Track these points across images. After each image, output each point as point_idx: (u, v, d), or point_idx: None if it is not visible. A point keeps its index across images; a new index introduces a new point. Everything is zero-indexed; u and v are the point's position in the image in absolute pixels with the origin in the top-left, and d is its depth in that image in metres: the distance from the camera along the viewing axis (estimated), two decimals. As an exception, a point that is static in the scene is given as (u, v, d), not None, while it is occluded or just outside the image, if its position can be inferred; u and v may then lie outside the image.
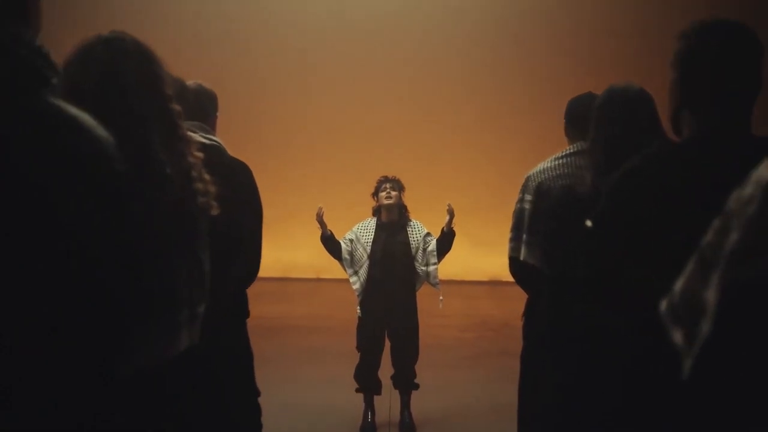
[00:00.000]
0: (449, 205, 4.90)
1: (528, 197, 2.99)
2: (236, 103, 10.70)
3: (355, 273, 4.91)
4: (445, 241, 4.92)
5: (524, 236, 2.96)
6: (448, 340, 7.47)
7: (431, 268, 4.90)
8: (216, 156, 2.97)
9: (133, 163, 1.98)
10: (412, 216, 5.07)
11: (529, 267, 2.94)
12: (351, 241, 4.94)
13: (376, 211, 5.05)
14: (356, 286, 4.90)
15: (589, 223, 1.86)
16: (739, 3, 10.51)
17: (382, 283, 4.84)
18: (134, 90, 2.03)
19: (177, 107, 2.15)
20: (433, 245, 4.91)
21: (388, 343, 4.98)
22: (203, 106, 3.06)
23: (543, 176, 2.96)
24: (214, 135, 3.04)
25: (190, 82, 3.08)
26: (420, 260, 4.90)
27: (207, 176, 2.20)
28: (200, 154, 2.20)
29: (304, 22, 11.01)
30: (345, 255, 4.92)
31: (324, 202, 4.94)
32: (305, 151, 11.05)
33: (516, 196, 3.14)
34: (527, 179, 3.04)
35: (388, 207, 4.95)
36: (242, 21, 10.99)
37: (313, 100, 11.01)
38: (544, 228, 2.80)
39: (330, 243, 4.93)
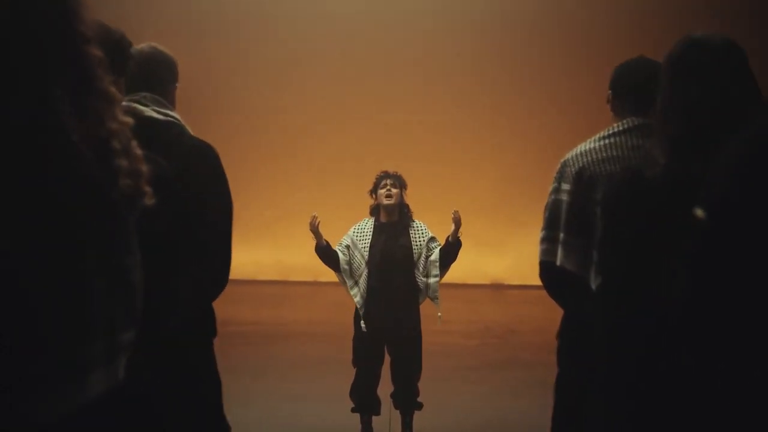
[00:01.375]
0: (456, 213, 4.16)
1: (565, 186, 2.29)
2: (237, 102, 10.29)
3: (356, 284, 4.19)
4: (450, 252, 4.20)
5: (561, 235, 2.26)
6: (451, 347, 6.84)
7: (432, 280, 4.18)
8: (171, 135, 2.29)
9: (15, 122, 1.31)
10: (414, 216, 4.36)
11: (566, 274, 2.24)
12: (348, 247, 4.23)
13: (374, 211, 4.34)
14: (358, 299, 4.16)
15: (700, 212, 1.17)
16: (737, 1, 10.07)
17: (381, 290, 4.14)
18: (27, 20, 1.35)
19: (98, 53, 1.45)
20: (436, 254, 4.19)
21: (387, 357, 4.28)
22: (157, 73, 2.37)
23: (585, 160, 2.26)
24: (171, 110, 2.35)
25: (142, 45, 2.40)
26: (421, 269, 4.18)
27: (137, 151, 1.51)
28: (128, 119, 1.51)
29: (305, 21, 10.52)
30: (344, 266, 4.20)
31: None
32: (305, 151, 10.62)
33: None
34: (563, 165, 2.34)
35: (388, 207, 4.25)
36: (242, 18, 10.51)
37: (314, 100, 10.55)
38: (593, 224, 2.12)
39: (326, 254, 4.21)
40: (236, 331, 7.35)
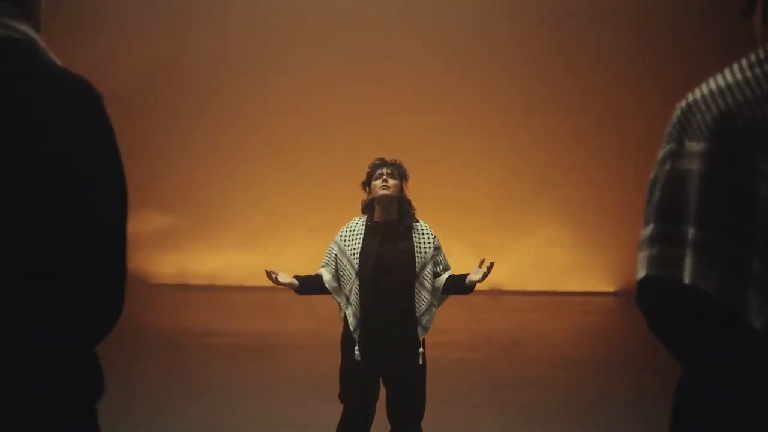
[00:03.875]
0: (489, 267, 3.09)
1: (694, 146, 1.18)
2: (230, 104, 9.47)
3: (348, 301, 3.09)
4: (459, 292, 3.16)
5: (691, 232, 1.16)
6: (453, 362, 5.84)
7: (432, 309, 3.13)
8: (14, 59, 1.25)
9: None
10: (415, 215, 3.26)
11: (700, 299, 1.17)
12: (336, 257, 3.15)
13: (368, 207, 3.24)
14: (351, 319, 3.07)
15: None
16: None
17: (375, 307, 3.05)
18: None
19: None
20: (442, 281, 3.13)
21: (382, 389, 3.21)
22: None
23: (729, 101, 1.17)
24: (22, 23, 1.30)
25: None
26: (426, 284, 3.08)
27: None
28: None
29: (304, 21, 9.79)
30: (331, 283, 3.15)
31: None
32: (299, 153, 9.83)
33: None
34: (685, 112, 1.22)
35: (385, 200, 3.15)
36: (237, 16, 9.82)
37: (308, 103, 9.78)
38: (757, 211, 1.08)
39: (311, 287, 3.18)
40: (223, 343, 6.34)
